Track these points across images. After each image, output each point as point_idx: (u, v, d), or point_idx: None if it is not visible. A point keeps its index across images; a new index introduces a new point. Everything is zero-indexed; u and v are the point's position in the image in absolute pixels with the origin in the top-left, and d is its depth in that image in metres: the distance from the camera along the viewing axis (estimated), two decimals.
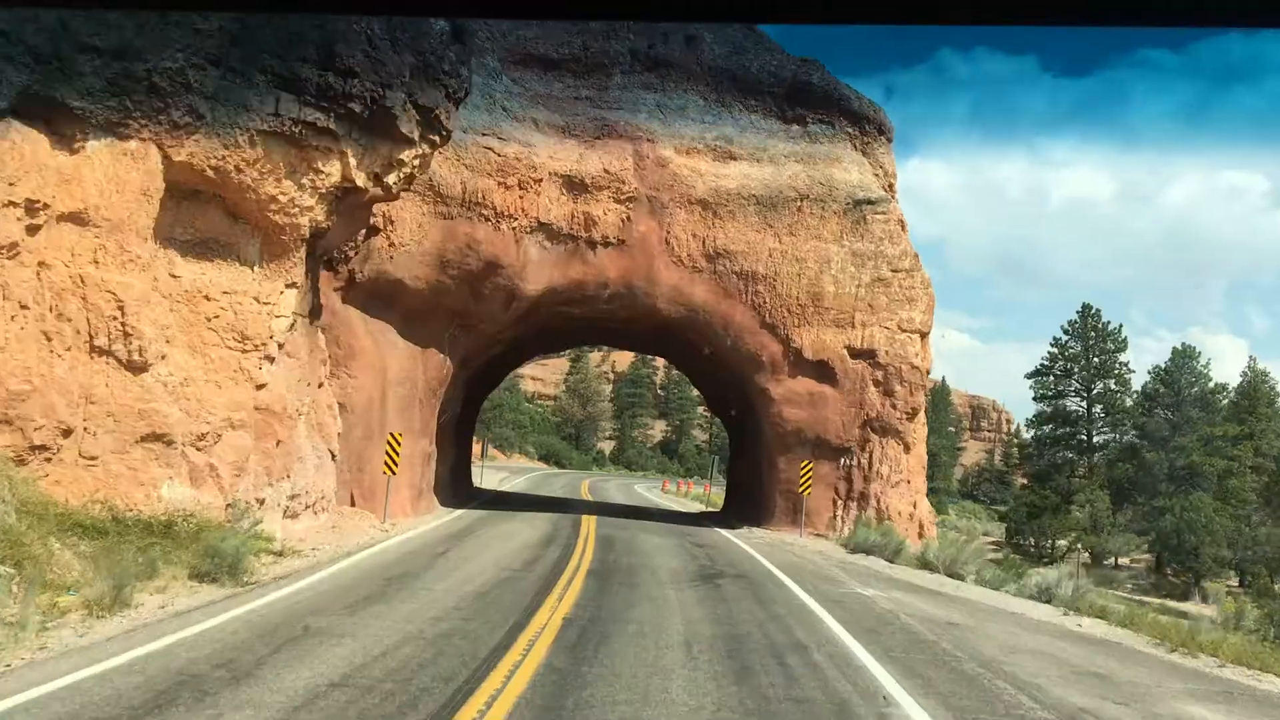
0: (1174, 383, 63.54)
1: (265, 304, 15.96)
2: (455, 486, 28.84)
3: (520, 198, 23.12)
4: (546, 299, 24.60)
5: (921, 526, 26.46)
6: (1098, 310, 62.95)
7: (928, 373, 27.04)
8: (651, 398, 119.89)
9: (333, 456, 18.40)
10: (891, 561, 21.73)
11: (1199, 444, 59.33)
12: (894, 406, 26.34)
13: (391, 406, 21.45)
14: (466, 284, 22.60)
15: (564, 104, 25.10)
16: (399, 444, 19.84)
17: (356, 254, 20.85)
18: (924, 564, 20.72)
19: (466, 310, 23.29)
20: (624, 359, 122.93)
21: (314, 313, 17.91)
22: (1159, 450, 60.57)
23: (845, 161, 26.89)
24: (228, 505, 14.99)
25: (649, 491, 57.78)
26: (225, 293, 15.62)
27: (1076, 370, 62.99)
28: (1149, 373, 64.19)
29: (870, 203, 26.53)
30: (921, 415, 27.28)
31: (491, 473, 56.03)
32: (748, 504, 29.38)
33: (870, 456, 26.40)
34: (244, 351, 15.71)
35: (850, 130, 27.26)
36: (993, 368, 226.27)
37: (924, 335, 26.91)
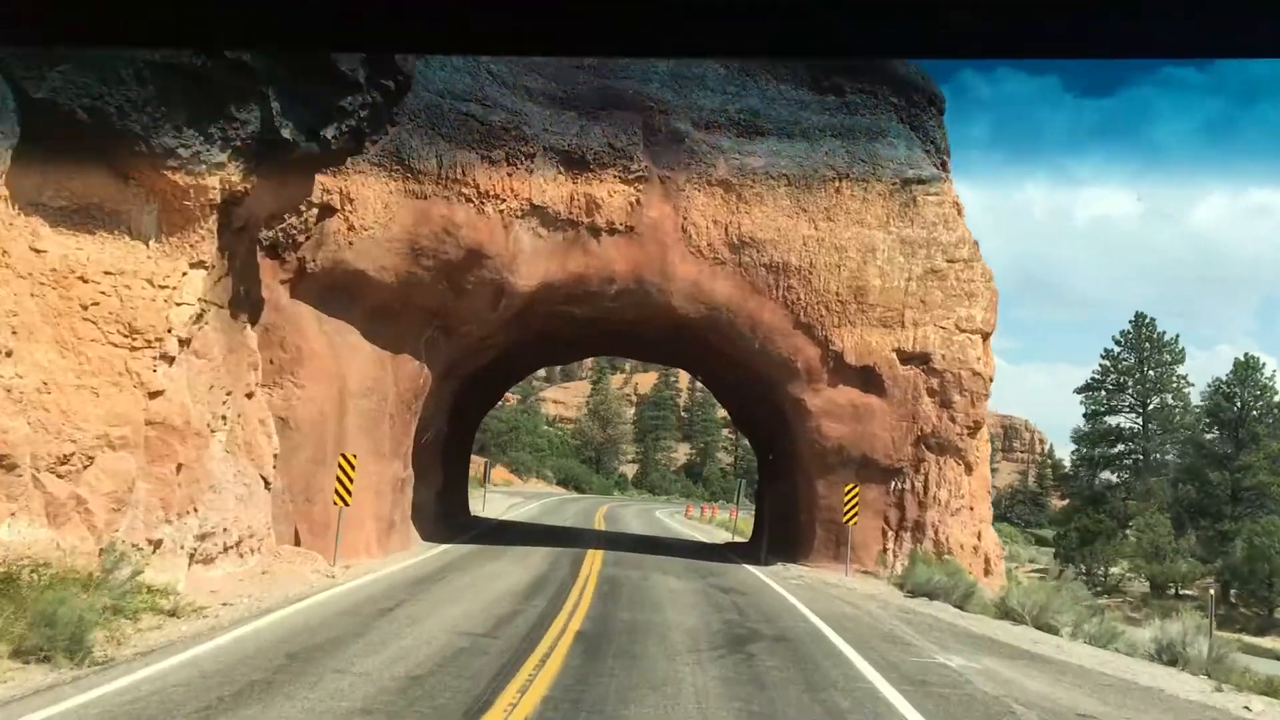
0: (1235, 397, 58.93)
1: (162, 288, 12.40)
2: (445, 517, 25.16)
3: (508, 175, 19.54)
4: (543, 296, 20.96)
5: (988, 561, 22.45)
6: (1152, 320, 58.67)
7: (990, 380, 23.09)
8: (675, 420, 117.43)
9: (266, 484, 14.77)
10: (961, 608, 17.78)
11: (1266, 462, 54.70)
12: (952, 420, 22.41)
13: (352, 423, 17.83)
14: (444, 277, 19.02)
15: (562, 72, 21.55)
16: (353, 467, 16.16)
17: (308, 239, 17.32)
18: (1004, 612, 16.75)
19: (446, 308, 19.69)
20: (646, 381, 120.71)
21: (239, 304, 14.33)
22: (1223, 470, 55.98)
23: (890, 135, 23.13)
24: (101, 550, 11.40)
25: (670, 518, 53.86)
26: (108, 273, 12.08)
27: (1130, 384, 58.58)
28: (1208, 385, 59.56)
29: (921, 182, 22.75)
30: (984, 430, 23.34)
31: (502, 498, 52.42)
32: (781, 535, 25.48)
33: (926, 479, 22.45)
34: (133, 349, 12.14)
35: (895, 100, 23.50)
36: (1019, 388, 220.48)
37: (986, 336, 23.00)
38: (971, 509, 22.69)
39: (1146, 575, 52.86)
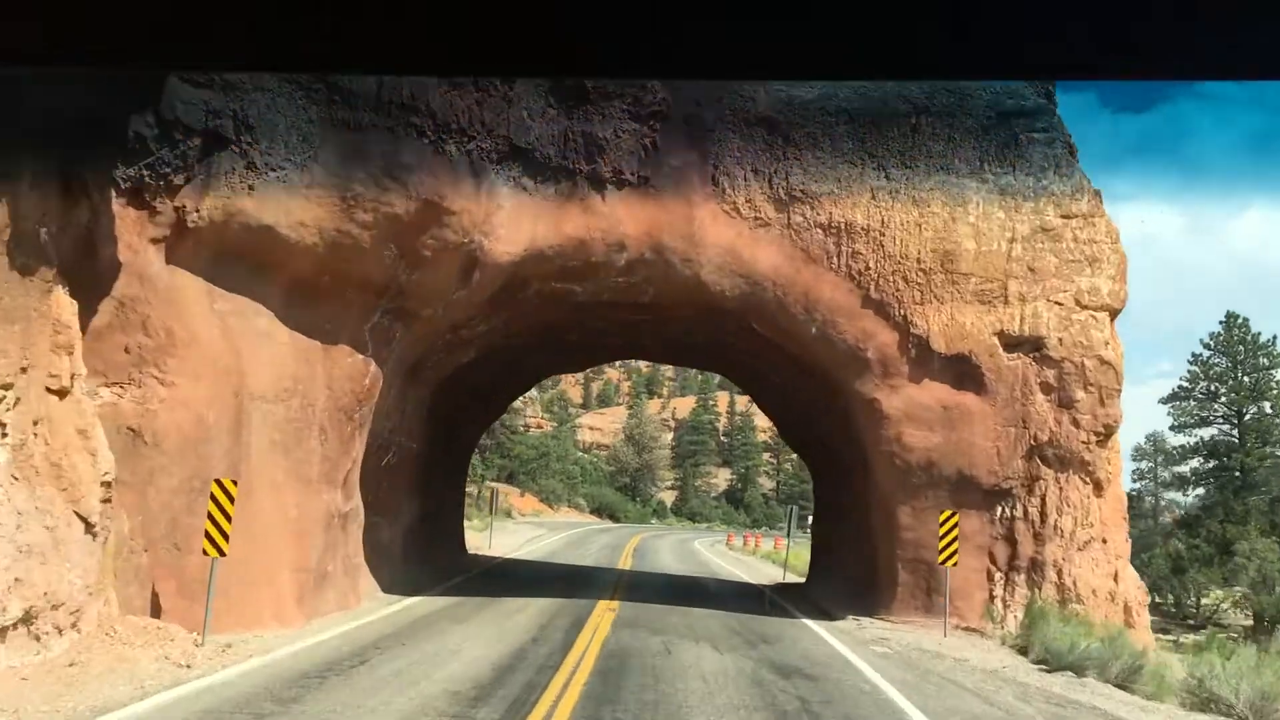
0: None
1: None
2: (422, 559, 20.11)
3: (478, 104, 14.62)
4: (531, 268, 15.96)
5: (1128, 611, 16.93)
6: (1245, 319, 52.09)
7: (1121, 372, 17.63)
8: (714, 445, 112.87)
9: (88, 527, 9.79)
10: (1124, 688, 12.32)
11: None
12: (1075, 423, 17.00)
13: (259, 437, 12.85)
14: (391, 238, 14.07)
15: None
16: (231, 499, 11.09)
17: (188, 180, 12.45)
18: (1202, 698, 11.27)
19: (398, 284, 14.75)
20: (685, 405, 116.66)
21: (33, 252, 9.40)
22: None
23: None
24: None
25: (710, 549, 48.35)
26: None
27: (1223, 391, 52.18)
28: None
29: (1023, 114, 17.47)
30: (1116, 438, 17.83)
31: (526, 530, 47.50)
32: (849, 576, 20.10)
33: (1042, 502, 17.02)
34: None
35: None
36: None
37: (1114, 314, 17.60)
38: (1104, 541, 17.19)
39: (1254, 608, 46.53)
